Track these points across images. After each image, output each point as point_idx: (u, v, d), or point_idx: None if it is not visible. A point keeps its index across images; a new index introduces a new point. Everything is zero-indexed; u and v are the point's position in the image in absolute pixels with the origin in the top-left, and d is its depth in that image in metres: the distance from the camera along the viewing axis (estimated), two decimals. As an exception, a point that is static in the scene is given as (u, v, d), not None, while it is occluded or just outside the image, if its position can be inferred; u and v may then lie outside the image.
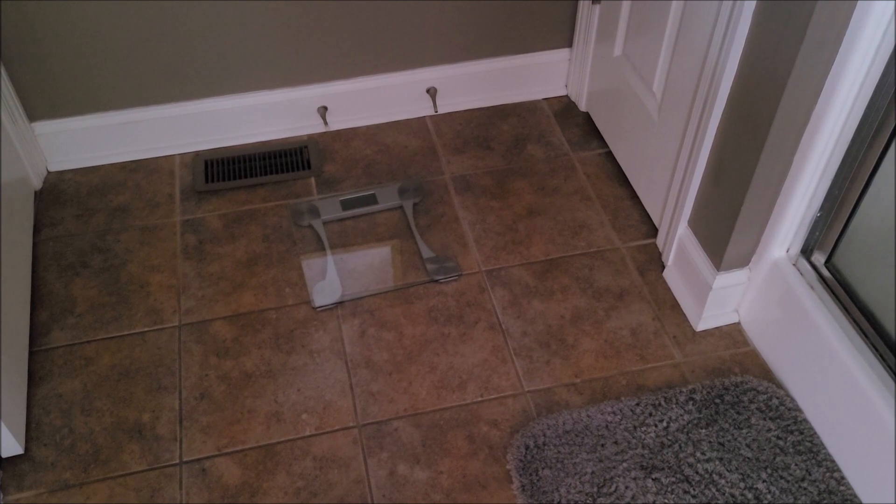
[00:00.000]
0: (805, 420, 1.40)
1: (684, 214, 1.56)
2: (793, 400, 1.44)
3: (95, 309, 1.59)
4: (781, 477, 1.33)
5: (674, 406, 1.42)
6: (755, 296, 1.51)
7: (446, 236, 1.74)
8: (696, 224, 1.54)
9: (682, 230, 1.58)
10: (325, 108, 1.94)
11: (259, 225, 1.76)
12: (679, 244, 1.59)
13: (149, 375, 1.49)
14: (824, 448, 1.37)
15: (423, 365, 1.51)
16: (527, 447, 1.36)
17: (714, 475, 1.33)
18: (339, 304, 1.61)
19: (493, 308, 1.60)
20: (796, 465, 1.35)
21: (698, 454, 1.36)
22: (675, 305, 1.61)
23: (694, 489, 1.32)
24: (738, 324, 1.58)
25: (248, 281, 1.64)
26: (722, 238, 1.45)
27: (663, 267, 1.68)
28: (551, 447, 1.36)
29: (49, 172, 1.87)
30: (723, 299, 1.53)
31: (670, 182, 1.61)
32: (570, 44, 2.00)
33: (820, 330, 1.34)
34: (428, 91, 1.98)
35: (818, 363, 1.36)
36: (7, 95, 1.68)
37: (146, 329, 1.56)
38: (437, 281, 1.65)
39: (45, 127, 1.80)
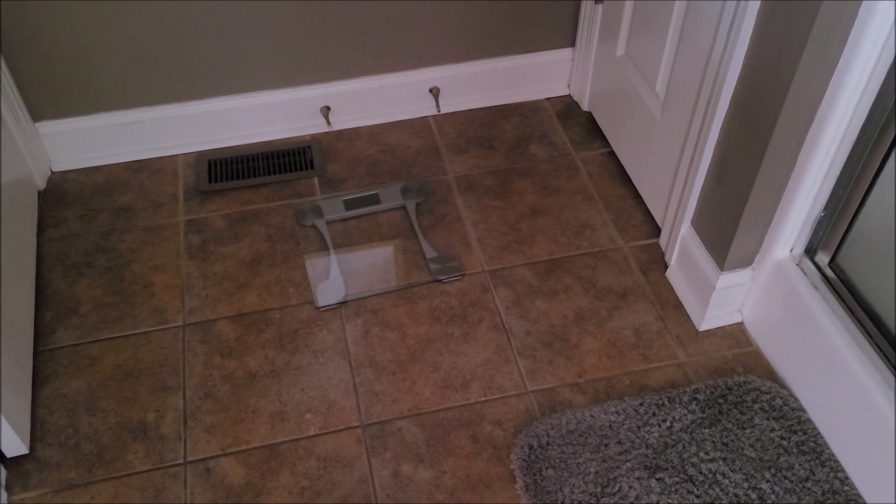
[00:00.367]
0: (808, 420, 1.40)
1: (687, 214, 1.56)
2: (796, 400, 1.43)
3: (99, 309, 1.59)
4: (785, 477, 1.33)
5: (677, 406, 1.42)
6: (758, 296, 1.51)
7: (449, 236, 1.74)
8: (699, 224, 1.54)
9: (686, 230, 1.58)
10: (329, 108, 1.94)
11: (262, 225, 1.76)
12: (682, 244, 1.59)
13: (153, 375, 1.49)
14: (828, 448, 1.37)
15: (426, 365, 1.51)
16: (530, 447, 1.36)
17: (718, 475, 1.33)
18: (343, 303, 1.61)
19: (497, 308, 1.60)
20: (800, 465, 1.35)
21: (702, 454, 1.36)
22: (679, 305, 1.61)
23: (697, 489, 1.32)
24: (742, 324, 1.58)
25: (251, 281, 1.65)
26: (725, 238, 1.45)
27: (666, 267, 1.68)
28: (555, 447, 1.36)
29: (53, 172, 1.87)
30: (726, 299, 1.53)
31: (673, 182, 1.61)
32: (572, 43, 2.00)
33: (823, 330, 1.34)
34: (431, 91, 1.98)
35: (822, 363, 1.36)
36: (11, 95, 1.68)
37: (150, 329, 1.56)
38: (440, 281, 1.65)
39: (48, 127, 1.80)
